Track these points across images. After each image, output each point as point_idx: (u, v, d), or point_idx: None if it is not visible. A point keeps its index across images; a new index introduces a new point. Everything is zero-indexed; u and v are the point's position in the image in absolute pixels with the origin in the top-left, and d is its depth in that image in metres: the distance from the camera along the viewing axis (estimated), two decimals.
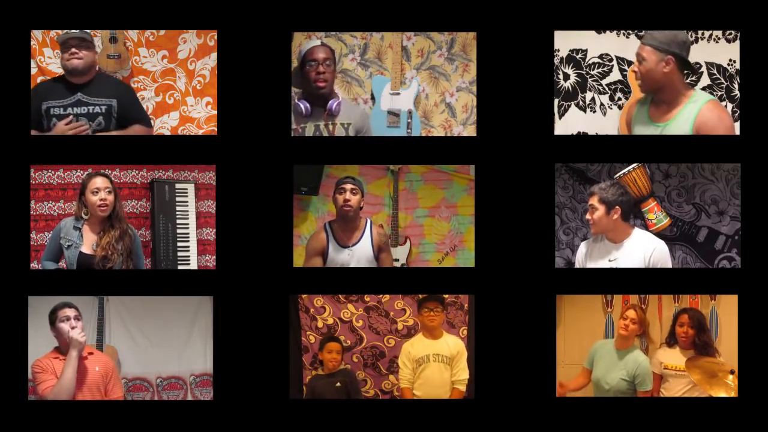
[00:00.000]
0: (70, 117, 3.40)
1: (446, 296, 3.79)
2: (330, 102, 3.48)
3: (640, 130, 3.28)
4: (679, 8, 2.95)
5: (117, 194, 3.34)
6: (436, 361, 3.43)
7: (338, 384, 3.53)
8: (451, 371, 3.41)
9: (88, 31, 3.45)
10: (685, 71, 3.21)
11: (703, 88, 3.52)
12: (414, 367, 3.44)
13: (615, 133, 3.57)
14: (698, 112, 3.14)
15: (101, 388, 3.12)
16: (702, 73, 3.53)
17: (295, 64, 3.50)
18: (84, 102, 3.46)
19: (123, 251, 3.29)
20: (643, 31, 3.18)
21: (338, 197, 3.46)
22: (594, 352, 3.44)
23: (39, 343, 3.14)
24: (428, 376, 3.42)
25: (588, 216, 3.30)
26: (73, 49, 3.42)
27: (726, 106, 3.51)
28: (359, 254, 3.49)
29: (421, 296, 3.48)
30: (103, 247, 3.27)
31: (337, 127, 3.51)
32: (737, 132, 3.18)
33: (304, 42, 3.58)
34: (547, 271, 2.94)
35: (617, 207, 3.26)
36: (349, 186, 3.45)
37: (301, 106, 3.46)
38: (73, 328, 3.02)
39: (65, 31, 3.41)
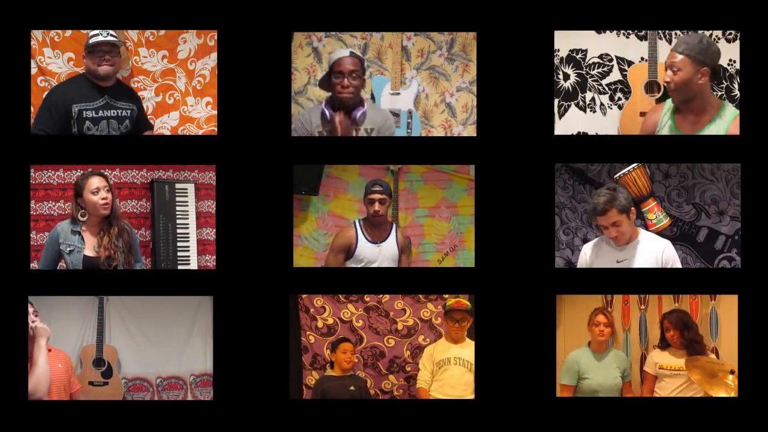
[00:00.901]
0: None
1: (446, 296, 3.80)
2: (354, 111, 3.49)
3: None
4: (680, 8, 2.94)
5: (113, 192, 3.35)
6: (457, 365, 3.44)
7: (352, 388, 3.57)
8: (472, 376, 3.41)
9: (116, 33, 3.45)
10: (715, 81, 3.23)
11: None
12: (433, 369, 3.46)
13: (615, 133, 3.57)
14: (728, 129, 3.14)
15: (66, 384, 3.13)
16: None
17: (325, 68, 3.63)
18: (112, 105, 3.49)
19: (124, 248, 3.30)
20: (675, 38, 3.16)
21: (369, 207, 3.59)
22: (576, 367, 3.43)
23: None
24: (448, 378, 3.44)
25: (614, 233, 3.25)
26: (107, 56, 3.43)
27: None
28: (386, 251, 3.59)
29: (448, 303, 3.49)
30: (105, 247, 3.27)
31: (360, 132, 3.52)
32: None
33: (336, 49, 3.62)
34: (547, 271, 2.94)
35: (632, 209, 3.27)
36: (377, 196, 3.56)
37: (326, 112, 3.48)
38: (33, 321, 3.02)
39: (95, 33, 3.41)
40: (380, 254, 3.60)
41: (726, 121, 3.16)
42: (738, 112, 3.15)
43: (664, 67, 3.21)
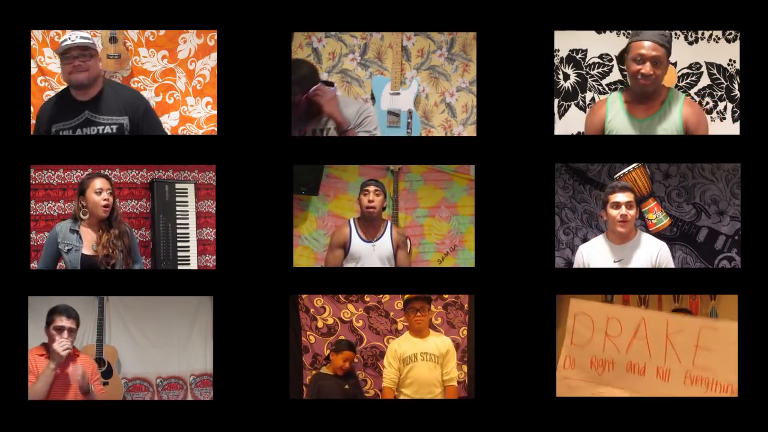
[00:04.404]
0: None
1: (446, 296, 3.80)
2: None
3: (621, 129, 3.24)
4: (679, 8, 2.94)
5: (115, 196, 3.34)
6: (424, 360, 3.44)
7: (347, 386, 3.60)
8: (441, 370, 3.43)
9: (88, 35, 3.25)
10: None
11: (704, 88, 3.52)
12: (400, 367, 3.46)
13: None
14: (682, 108, 3.14)
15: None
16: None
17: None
18: (92, 121, 3.27)
19: (123, 249, 3.30)
20: (638, 32, 3.14)
21: (363, 198, 3.60)
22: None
23: (39, 344, 3.14)
24: (417, 376, 3.44)
25: (625, 212, 3.22)
26: (77, 62, 3.21)
27: (726, 106, 3.51)
28: (380, 250, 3.58)
29: (406, 297, 3.51)
30: (104, 246, 3.26)
31: (332, 132, 3.51)
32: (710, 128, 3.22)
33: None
34: (547, 271, 2.94)
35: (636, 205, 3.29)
36: (372, 188, 3.59)
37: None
38: (59, 340, 3.04)
39: (65, 38, 3.22)
40: (374, 253, 3.59)
41: (679, 101, 3.16)
42: (684, 94, 3.22)
43: (634, 58, 3.11)
